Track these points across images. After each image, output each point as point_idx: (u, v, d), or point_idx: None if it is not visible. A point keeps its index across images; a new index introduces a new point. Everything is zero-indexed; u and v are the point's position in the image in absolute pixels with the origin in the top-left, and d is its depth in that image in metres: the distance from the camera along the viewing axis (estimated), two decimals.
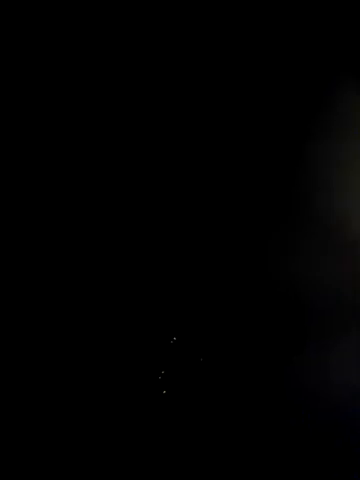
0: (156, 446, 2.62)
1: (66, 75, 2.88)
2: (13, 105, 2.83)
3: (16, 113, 2.83)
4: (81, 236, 2.87)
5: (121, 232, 2.92)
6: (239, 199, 3.02)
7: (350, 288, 2.91)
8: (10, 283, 2.76)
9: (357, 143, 3.02)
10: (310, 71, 3.04)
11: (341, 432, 2.73)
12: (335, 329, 2.90)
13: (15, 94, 2.82)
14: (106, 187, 2.93)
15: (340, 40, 3.05)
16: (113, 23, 2.90)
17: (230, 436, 2.69)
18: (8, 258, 2.77)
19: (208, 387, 2.75)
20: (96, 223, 2.90)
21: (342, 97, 3.04)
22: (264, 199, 3.02)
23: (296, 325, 2.90)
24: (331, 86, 3.02)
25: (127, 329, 2.80)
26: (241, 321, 2.90)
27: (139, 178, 2.96)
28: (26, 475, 2.49)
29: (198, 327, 2.85)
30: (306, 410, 2.75)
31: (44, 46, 2.85)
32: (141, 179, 2.96)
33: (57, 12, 2.83)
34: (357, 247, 2.95)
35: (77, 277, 2.83)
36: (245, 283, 2.95)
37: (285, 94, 3.04)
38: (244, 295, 2.93)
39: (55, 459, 2.55)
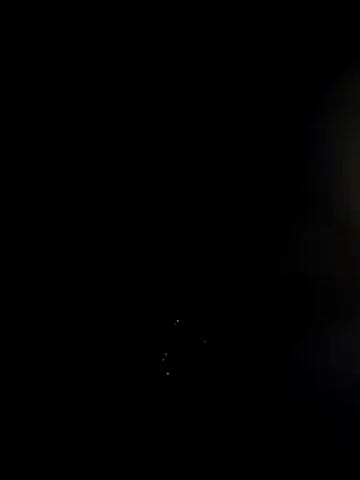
0: (160, 426, 2.65)
1: (66, 75, 2.91)
2: (13, 105, 2.86)
3: (16, 113, 2.86)
4: (85, 224, 2.91)
5: (130, 220, 2.95)
6: (244, 187, 3.03)
7: (351, 276, 2.91)
8: (11, 275, 2.80)
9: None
10: (316, 62, 3.03)
11: (341, 424, 2.74)
12: (337, 318, 2.90)
13: (15, 94, 2.86)
14: (107, 183, 2.96)
15: (341, 38, 3.03)
16: (113, 22, 2.92)
17: (232, 421, 2.71)
18: (8, 254, 2.82)
19: (211, 370, 2.78)
20: (100, 210, 2.93)
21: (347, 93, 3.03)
22: (268, 187, 3.03)
23: (298, 313, 2.91)
24: (336, 80, 3.01)
25: (132, 312, 2.83)
26: (245, 307, 2.92)
27: (150, 171, 2.99)
28: (26, 472, 2.52)
29: (202, 311, 2.87)
30: (308, 399, 2.76)
31: (44, 46, 2.88)
32: (153, 172, 2.99)
33: (57, 12, 2.86)
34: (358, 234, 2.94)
35: (81, 263, 2.87)
36: (249, 269, 2.96)
37: (289, 84, 3.04)
38: (248, 281, 2.95)
39: (55, 448, 2.59)
